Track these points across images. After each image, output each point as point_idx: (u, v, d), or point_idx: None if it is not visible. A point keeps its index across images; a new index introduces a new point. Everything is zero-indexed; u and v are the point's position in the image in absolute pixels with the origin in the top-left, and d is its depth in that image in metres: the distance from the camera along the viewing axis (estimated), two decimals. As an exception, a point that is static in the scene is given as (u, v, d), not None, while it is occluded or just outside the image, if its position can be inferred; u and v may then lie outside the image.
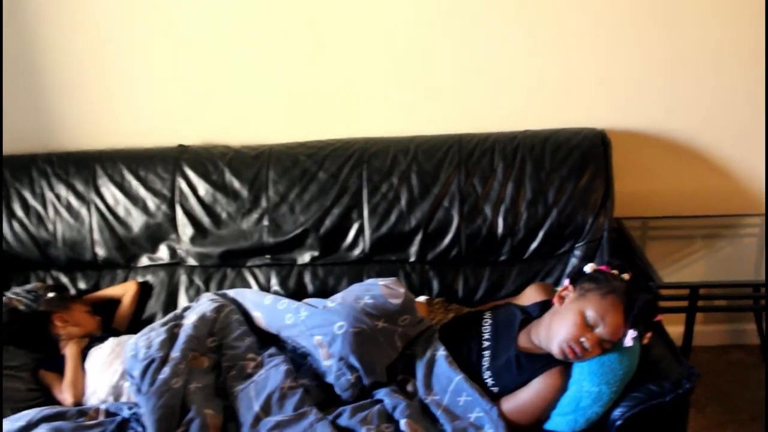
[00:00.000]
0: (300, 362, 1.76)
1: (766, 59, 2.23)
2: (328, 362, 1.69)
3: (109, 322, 2.12)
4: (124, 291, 2.17)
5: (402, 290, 1.79)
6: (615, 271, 1.69)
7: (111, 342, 1.94)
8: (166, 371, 1.67)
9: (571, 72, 2.24)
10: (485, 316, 1.82)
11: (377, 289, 1.77)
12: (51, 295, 2.08)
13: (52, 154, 2.25)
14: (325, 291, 2.10)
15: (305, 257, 2.14)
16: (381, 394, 1.67)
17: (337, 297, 1.82)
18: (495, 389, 1.68)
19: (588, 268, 1.71)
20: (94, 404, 1.79)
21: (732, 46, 2.22)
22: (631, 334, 1.57)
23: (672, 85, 2.26)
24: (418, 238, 2.09)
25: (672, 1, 2.16)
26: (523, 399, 1.65)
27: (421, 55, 2.23)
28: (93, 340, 1.99)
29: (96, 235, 2.19)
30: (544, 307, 1.78)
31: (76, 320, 2.02)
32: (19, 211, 2.20)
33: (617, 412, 1.59)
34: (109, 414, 1.72)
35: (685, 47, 2.22)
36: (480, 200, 2.07)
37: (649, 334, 1.65)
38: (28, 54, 2.27)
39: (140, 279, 2.20)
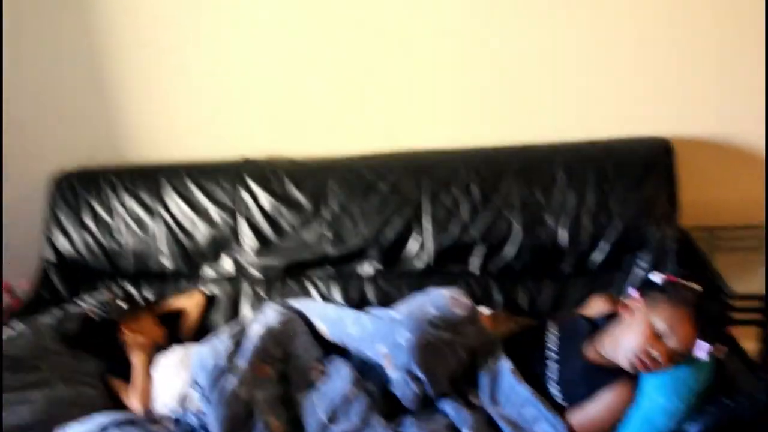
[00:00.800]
0: (365, 371, 1.77)
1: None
2: (393, 373, 1.69)
3: (176, 331, 2.16)
4: (192, 301, 2.21)
5: (467, 301, 1.78)
6: (684, 281, 1.66)
7: (177, 351, 1.98)
8: (232, 380, 1.69)
9: (633, 80, 2.21)
10: (550, 328, 1.80)
11: (442, 300, 1.77)
12: (122, 304, 2.14)
13: (121, 168, 2.33)
14: (386, 302, 2.10)
15: (367, 269, 2.15)
16: (445, 405, 1.67)
17: (402, 307, 1.82)
18: (562, 401, 1.66)
19: (656, 278, 1.67)
20: (163, 412, 1.83)
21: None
22: (704, 346, 1.53)
23: (735, 92, 2.20)
24: (480, 249, 2.09)
25: (734, 6, 2.11)
26: (590, 412, 1.63)
27: (482, 65, 2.22)
28: (159, 349, 2.04)
29: (162, 246, 2.24)
30: (611, 318, 1.75)
31: (144, 329, 2.08)
32: (90, 223, 2.28)
33: (692, 429, 1.55)
34: (177, 422, 1.76)
35: (747, 52, 2.16)
36: (542, 211, 2.05)
37: (724, 348, 1.60)
38: (98, 73, 2.37)
39: (205, 290, 2.25)
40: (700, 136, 2.26)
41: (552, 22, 2.17)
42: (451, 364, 1.69)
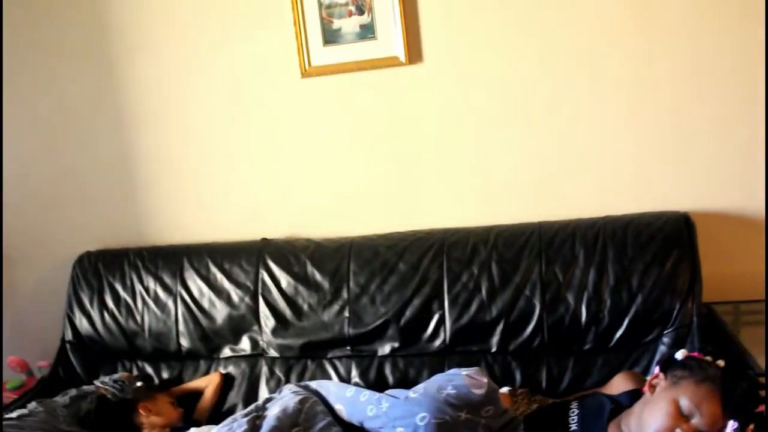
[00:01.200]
0: None
1: None
2: None
3: (191, 412, 2.14)
4: (208, 383, 2.20)
5: (485, 380, 1.75)
6: (709, 358, 1.62)
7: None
8: None
9: (649, 155, 2.22)
10: (572, 406, 1.76)
11: (460, 379, 1.74)
12: (139, 384, 2.13)
13: (143, 249, 2.37)
14: (405, 382, 2.08)
15: (386, 348, 2.13)
16: None
17: (419, 387, 1.80)
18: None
19: (680, 354, 1.65)
20: None
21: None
22: (732, 425, 1.49)
23: (756, 163, 2.20)
24: (500, 328, 2.07)
25: (746, 79, 2.14)
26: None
27: (498, 144, 2.26)
28: (175, 430, 2.01)
29: (181, 327, 2.25)
30: (635, 396, 1.71)
31: (160, 410, 2.06)
32: (110, 303, 2.31)
33: None
34: None
35: (761, 123, 2.18)
36: (562, 288, 2.03)
37: (752, 426, 1.55)
38: (121, 154, 2.45)
39: (222, 370, 2.25)
40: (721, 210, 2.25)
41: (566, 101, 2.21)
42: None
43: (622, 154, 2.23)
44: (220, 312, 2.23)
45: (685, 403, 1.53)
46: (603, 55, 2.17)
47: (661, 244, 2.03)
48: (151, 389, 2.16)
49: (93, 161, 2.46)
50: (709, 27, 2.12)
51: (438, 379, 1.80)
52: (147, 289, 2.29)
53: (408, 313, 2.10)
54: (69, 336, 2.35)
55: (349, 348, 2.16)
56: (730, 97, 2.16)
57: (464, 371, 1.77)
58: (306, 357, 2.20)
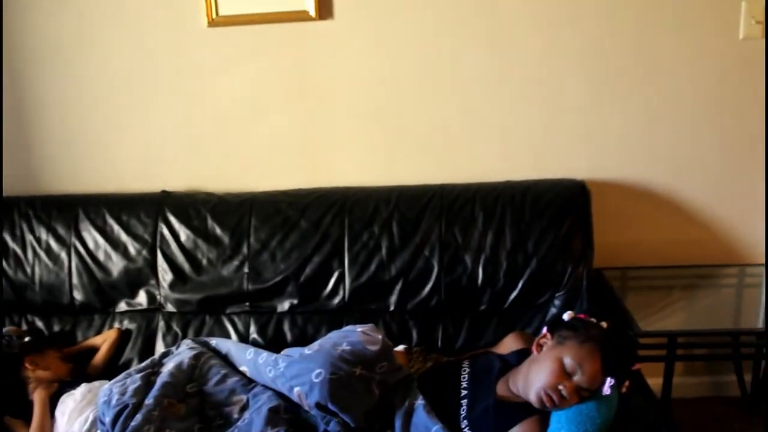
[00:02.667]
0: (290, 408, 1.75)
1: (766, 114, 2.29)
2: (310, 410, 1.67)
3: (85, 368, 2.09)
4: (105, 339, 2.15)
5: (380, 336, 1.77)
6: (593, 320, 1.70)
7: (83, 388, 1.91)
8: (138, 418, 1.65)
9: (552, 123, 2.28)
10: (463, 365, 1.81)
11: (355, 336, 1.75)
12: (26, 339, 2.06)
13: (35, 197, 2.26)
14: (304, 339, 2.09)
15: (285, 305, 2.13)
16: None
17: (315, 345, 1.80)
18: (473, 438, 1.66)
19: (566, 316, 1.72)
20: None
21: (708, 99, 2.27)
22: (609, 382, 1.57)
23: (651, 137, 2.30)
24: (398, 287, 2.09)
25: (651, 55, 2.22)
26: (500, 449, 1.63)
27: (403, 105, 2.27)
28: (64, 386, 1.96)
29: (74, 279, 2.18)
30: (523, 355, 1.77)
31: (48, 364, 2.00)
32: (-4, 254, 2.20)
33: (596, 463, 1.58)
34: None
35: (663, 100, 2.27)
36: (460, 250, 2.08)
37: (627, 383, 1.64)
38: (15, 99, 2.30)
39: (117, 324, 2.19)
40: (615, 179, 2.34)
41: (473, 68, 2.24)
42: (363, 399, 1.67)
43: (524, 121, 2.28)
44: (116, 265, 2.17)
45: (568, 362, 1.59)
46: (510, 25, 2.20)
47: (557, 210, 2.09)
48: (39, 344, 2.08)
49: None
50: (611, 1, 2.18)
51: (333, 336, 1.81)
52: (38, 240, 2.19)
53: (308, 270, 2.10)
54: (-47, 287, 2.24)
55: (247, 304, 2.15)
56: (626, 72, 2.24)
57: (359, 328, 1.79)
58: (204, 312, 2.17)
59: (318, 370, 1.66)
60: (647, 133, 2.30)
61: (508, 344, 1.90)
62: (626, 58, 2.23)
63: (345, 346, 1.71)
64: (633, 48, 2.22)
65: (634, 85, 2.26)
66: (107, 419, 1.68)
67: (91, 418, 1.80)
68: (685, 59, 2.23)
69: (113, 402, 1.71)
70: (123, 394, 1.73)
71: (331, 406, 1.63)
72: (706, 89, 2.26)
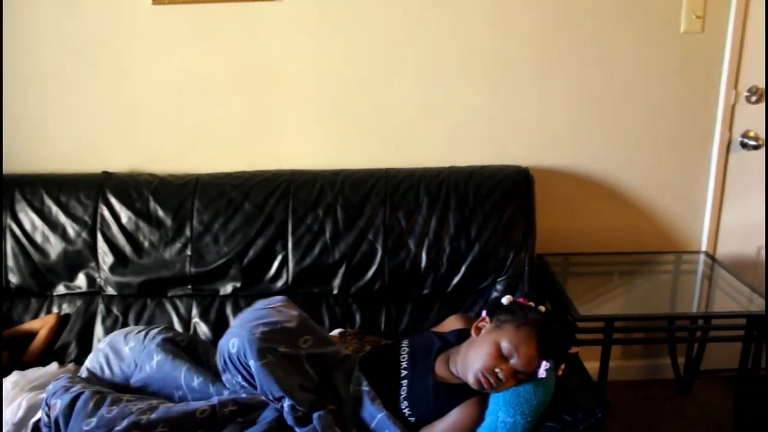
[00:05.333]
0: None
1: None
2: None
3: (21, 354, 2.04)
4: (43, 324, 2.09)
5: (293, 312, 1.67)
6: (531, 304, 1.73)
7: (14, 376, 1.86)
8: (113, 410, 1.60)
9: (497, 110, 2.31)
10: (402, 345, 1.82)
11: (268, 316, 1.64)
12: None
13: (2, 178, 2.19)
14: (247, 322, 2.07)
15: (228, 288, 2.11)
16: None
17: (231, 335, 1.64)
18: (412, 419, 1.67)
19: (504, 300, 1.75)
20: None
21: (650, 90, 2.32)
22: (544, 365, 1.60)
23: (594, 126, 2.35)
24: (342, 270, 2.10)
25: (597, 45, 2.27)
26: (439, 430, 1.65)
27: (350, 89, 2.27)
28: None
29: (10, 261, 2.12)
30: (462, 335, 1.80)
31: None
32: (-74, 235, 2.13)
33: (534, 444, 1.61)
34: None
35: (607, 90, 2.32)
36: (404, 234, 2.09)
37: (563, 366, 1.68)
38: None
39: (56, 308, 2.14)
40: (558, 167, 2.38)
41: (419, 53, 2.24)
42: (297, 378, 1.61)
43: (471, 108, 2.30)
44: (55, 247, 2.12)
45: (505, 345, 1.62)
46: (458, 11, 2.21)
47: (500, 196, 2.12)
48: None
49: None
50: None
51: (247, 318, 1.66)
52: (-28, 221, 2.13)
53: (251, 253, 2.09)
54: None
55: (190, 287, 2.12)
56: (572, 62, 2.28)
57: (271, 305, 1.68)
58: (145, 295, 2.14)
59: (232, 340, 1.59)
60: (591, 122, 2.35)
61: (449, 325, 1.92)
62: (572, 48, 2.27)
63: (263, 329, 1.59)
64: (579, 38, 2.26)
65: (580, 74, 2.30)
66: (59, 404, 1.61)
67: (24, 405, 1.75)
68: (628, 51, 2.28)
69: (73, 388, 1.64)
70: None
71: (275, 391, 1.58)
72: (649, 81, 2.32)
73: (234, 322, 1.67)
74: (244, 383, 1.62)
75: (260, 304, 1.70)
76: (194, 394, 1.70)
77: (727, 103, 2.34)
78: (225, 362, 1.62)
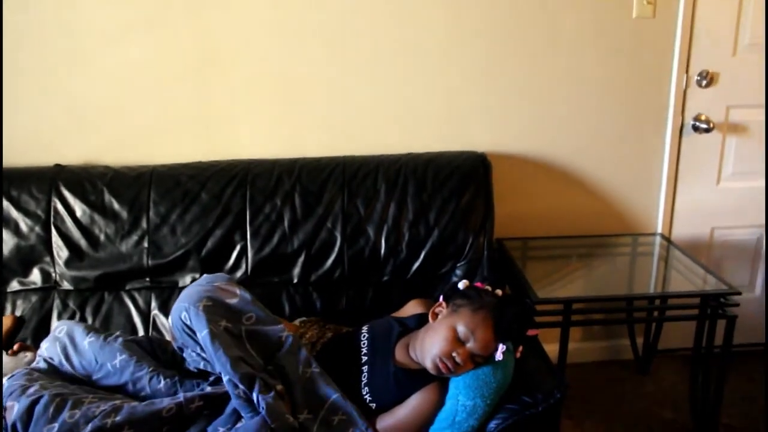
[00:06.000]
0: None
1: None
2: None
3: None
4: None
5: (237, 290, 1.68)
6: (488, 288, 1.75)
7: None
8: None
9: (454, 97, 2.32)
10: (362, 331, 1.82)
11: (213, 291, 1.66)
12: None
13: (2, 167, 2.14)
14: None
15: (186, 279, 2.09)
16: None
17: (181, 305, 1.63)
18: (373, 405, 1.68)
19: (461, 284, 1.76)
20: None
21: (605, 75, 2.36)
22: (501, 348, 1.62)
23: (550, 111, 2.38)
24: (301, 259, 2.09)
25: (548, 28, 2.29)
26: (400, 416, 1.66)
27: (306, 77, 2.25)
28: None
29: (-39, 259, 2.07)
30: (422, 320, 1.81)
31: None
32: None
33: (492, 425, 1.63)
34: None
35: (562, 75, 2.34)
36: (363, 221, 2.09)
37: (521, 348, 1.70)
38: None
39: (9, 305, 2.09)
40: (516, 152, 2.40)
41: (373, 40, 2.24)
42: (237, 351, 1.59)
43: (428, 94, 2.31)
44: (7, 243, 2.07)
45: (461, 329, 1.63)
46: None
47: (458, 182, 2.13)
48: None
49: None
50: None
51: (192, 291, 1.67)
52: None
53: (209, 243, 2.07)
54: None
55: (148, 279, 2.10)
56: (527, 48, 2.30)
57: (213, 282, 1.69)
58: (102, 289, 2.11)
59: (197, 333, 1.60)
60: (546, 108, 2.38)
61: (409, 310, 1.93)
62: (527, 33, 2.29)
63: (206, 302, 1.61)
64: (534, 23, 2.28)
65: (535, 60, 2.32)
66: (16, 408, 1.54)
67: None
68: (581, 36, 2.31)
69: (31, 390, 1.58)
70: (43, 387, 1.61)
71: (220, 362, 1.56)
72: (603, 66, 2.35)
73: (180, 296, 1.66)
74: (202, 354, 1.63)
75: (204, 279, 1.72)
76: (161, 396, 1.67)
77: (679, 88, 2.39)
78: (181, 333, 1.63)
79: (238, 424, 1.57)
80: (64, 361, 1.75)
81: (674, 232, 2.56)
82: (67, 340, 1.77)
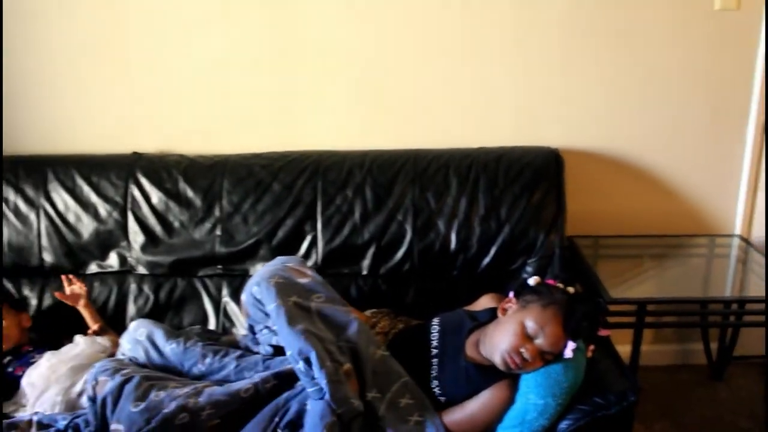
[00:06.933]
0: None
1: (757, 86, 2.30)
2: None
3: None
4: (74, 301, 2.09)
5: (308, 271, 1.76)
6: (560, 285, 1.71)
7: (49, 357, 1.88)
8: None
9: (526, 91, 2.28)
10: (433, 323, 1.81)
11: (284, 270, 1.72)
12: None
13: (2, 158, 2.21)
14: (276, 302, 2.08)
15: (257, 268, 2.11)
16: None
17: (253, 281, 1.72)
18: (442, 399, 1.67)
19: (531, 280, 1.73)
20: (25, 416, 1.71)
21: (685, 70, 2.28)
22: (571, 345, 1.58)
23: (626, 107, 2.31)
24: (371, 251, 2.10)
25: (626, 25, 2.23)
26: (469, 411, 1.65)
27: (380, 70, 2.25)
28: (23, 354, 1.94)
29: (44, 241, 2.15)
30: (494, 314, 1.78)
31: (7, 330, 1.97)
32: (-36, 215, 2.16)
33: (563, 425, 1.60)
34: (42, 426, 1.66)
35: (639, 70, 2.28)
36: (434, 215, 2.08)
37: (592, 347, 1.66)
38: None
39: (87, 287, 2.16)
40: (588, 148, 2.35)
41: (449, 34, 2.22)
42: (306, 326, 1.62)
43: (501, 88, 2.28)
44: (87, 227, 2.14)
45: (530, 325, 1.60)
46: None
47: (530, 178, 2.10)
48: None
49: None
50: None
51: (265, 270, 1.74)
52: (6, 201, 2.15)
53: (280, 233, 2.09)
54: None
55: (220, 267, 2.14)
56: (603, 43, 2.25)
57: (286, 263, 1.76)
58: (176, 275, 2.16)
59: (271, 306, 1.65)
60: (622, 103, 2.31)
61: (483, 304, 1.90)
62: (604, 27, 2.23)
63: (278, 279, 1.69)
64: (611, 16, 2.22)
65: (611, 55, 2.26)
66: (109, 384, 1.63)
67: (60, 399, 1.78)
68: (662, 29, 2.24)
69: (124, 371, 1.67)
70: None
71: (289, 339, 1.60)
72: (682, 60, 2.27)
73: (254, 276, 1.75)
74: (273, 327, 1.70)
75: (278, 260, 1.79)
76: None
77: (763, 84, 2.29)
78: (254, 310, 1.72)
79: (306, 407, 1.59)
80: (148, 364, 1.82)
81: (753, 234, 2.46)
82: (149, 344, 1.83)
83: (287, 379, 1.66)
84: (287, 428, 1.57)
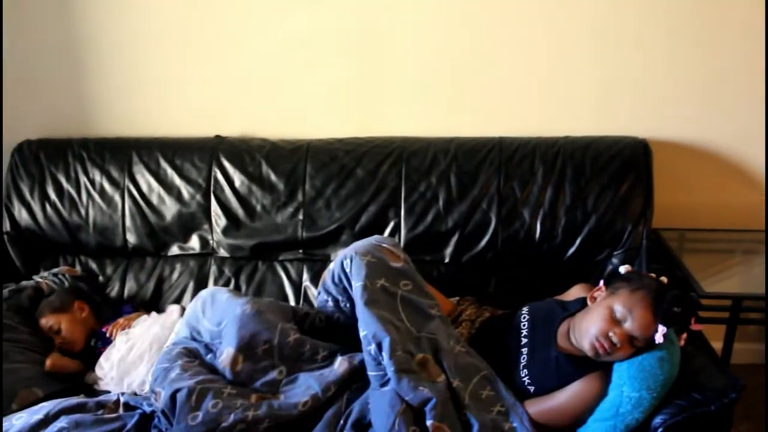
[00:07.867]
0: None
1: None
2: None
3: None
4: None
5: (401, 254, 1.74)
6: (653, 274, 1.66)
7: (124, 343, 1.91)
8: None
9: (614, 80, 2.22)
10: (523, 312, 1.79)
11: (378, 251, 1.71)
12: (77, 277, 2.08)
13: (88, 140, 2.26)
14: (356, 288, 2.07)
15: (338, 253, 2.08)
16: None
17: (347, 253, 1.71)
18: (531, 388, 1.65)
19: (622, 269, 1.69)
20: (113, 396, 1.75)
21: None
22: (662, 329, 1.53)
23: (713, 98, 2.23)
24: (454, 239, 2.07)
25: (714, 15, 2.15)
26: (557, 401, 1.62)
27: (465, 56, 2.22)
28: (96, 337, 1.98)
29: (128, 222, 2.18)
30: (586, 304, 1.74)
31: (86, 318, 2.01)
32: (53, 195, 2.21)
33: (658, 420, 1.55)
34: (128, 407, 1.69)
35: (730, 61, 2.19)
36: (518, 204, 2.05)
37: (684, 336, 1.61)
38: (69, 41, 2.29)
39: (169, 268, 2.18)
40: (677, 140, 2.28)
41: (535, 20, 2.18)
42: (388, 312, 1.62)
43: (587, 78, 2.23)
44: (170, 209, 2.17)
45: (618, 309, 1.57)
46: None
47: (618, 168, 2.05)
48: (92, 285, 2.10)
49: (37, 45, 2.30)
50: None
51: (360, 245, 1.74)
52: (92, 182, 2.20)
53: (363, 219, 2.09)
54: (6, 227, 2.25)
55: (301, 251, 2.14)
56: (694, 32, 2.17)
57: (382, 243, 1.74)
58: (257, 258, 2.17)
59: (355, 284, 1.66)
60: (713, 94, 2.23)
61: (574, 293, 1.87)
62: (694, 18, 2.15)
63: (370, 258, 1.68)
64: (700, 7, 2.14)
65: (702, 45, 2.18)
66: (162, 395, 1.61)
67: (136, 383, 1.82)
68: (756, 17, 2.14)
69: (172, 375, 1.64)
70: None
71: (366, 322, 1.60)
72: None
73: (348, 248, 1.74)
74: (346, 305, 1.73)
75: (374, 238, 1.77)
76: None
77: None
78: (337, 282, 1.72)
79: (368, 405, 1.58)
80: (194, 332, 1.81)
81: None
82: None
83: (350, 380, 1.67)
84: (353, 429, 1.57)
